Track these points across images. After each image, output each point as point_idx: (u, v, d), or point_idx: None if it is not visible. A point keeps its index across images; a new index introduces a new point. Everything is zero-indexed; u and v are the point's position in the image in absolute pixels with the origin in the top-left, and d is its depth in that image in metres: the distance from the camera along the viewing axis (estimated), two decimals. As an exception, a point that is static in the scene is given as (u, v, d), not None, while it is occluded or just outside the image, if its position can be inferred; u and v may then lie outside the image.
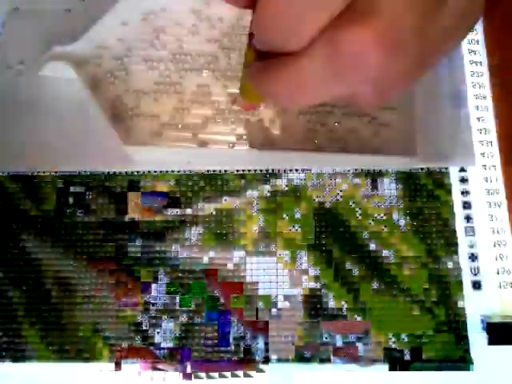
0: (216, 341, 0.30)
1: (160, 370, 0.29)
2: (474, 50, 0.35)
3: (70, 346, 0.30)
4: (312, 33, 0.17)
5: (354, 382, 0.29)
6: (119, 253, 0.31)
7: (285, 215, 0.32)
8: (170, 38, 0.35)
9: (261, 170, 0.32)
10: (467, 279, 0.30)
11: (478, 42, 0.35)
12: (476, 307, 0.30)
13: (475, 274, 0.30)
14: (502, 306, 0.30)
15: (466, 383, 0.28)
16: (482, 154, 0.33)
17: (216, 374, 0.29)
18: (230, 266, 0.31)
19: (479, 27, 0.35)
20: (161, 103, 0.34)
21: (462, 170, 0.32)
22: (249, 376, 0.29)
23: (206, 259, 0.31)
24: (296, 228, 0.31)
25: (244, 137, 0.33)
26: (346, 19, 0.16)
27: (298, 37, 0.18)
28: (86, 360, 0.29)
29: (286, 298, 0.30)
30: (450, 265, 0.30)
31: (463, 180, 0.32)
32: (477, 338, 0.29)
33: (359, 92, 0.20)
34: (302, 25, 0.17)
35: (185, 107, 0.34)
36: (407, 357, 0.29)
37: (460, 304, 0.30)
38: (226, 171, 0.33)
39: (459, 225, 0.31)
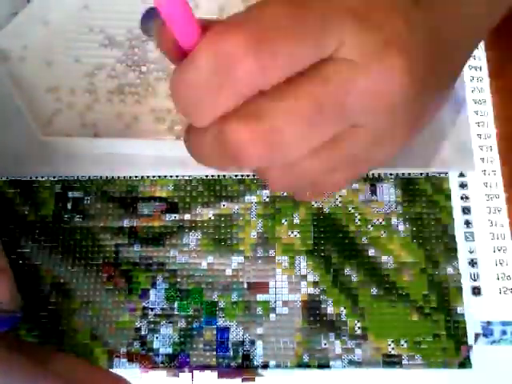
0: (215, 346, 0.29)
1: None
2: (473, 54, 0.35)
3: (69, 352, 0.30)
4: (209, 118, 0.20)
5: (353, 388, 0.29)
6: (117, 258, 0.31)
7: (283, 220, 0.32)
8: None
9: (259, 176, 0.32)
10: (467, 285, 0.30)
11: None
12: (476, 313, 0.29)
13: (475, 280, 0.30)
14: (501, 312, 0.29)
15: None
16: (482, 159, 0.32)
17: (214, 380, 0.29)
18: (228, 271, 0.31)
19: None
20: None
21: (462, 175, 0.32)
22: (247, 381, 0.29)
23: (204, 264, 0.31)
24: (295, 233, 0.31)
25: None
26: (235, 114, 0.19)
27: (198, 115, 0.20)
28: (84, 366, 0.29)
29: (285, 303, 0.30)
30: (450, 270, 0.30)
31: (463, 185, 0.32)
32: (477, 343, 0.29)
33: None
34: (202, 107, 0.19)
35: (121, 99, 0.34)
36: (406, 362, 0.29)
37: (459, 310, 0.29)
38: (224, 176, 0.33)
39: (459, 230, 0.31)
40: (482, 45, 0.35)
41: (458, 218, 0.31)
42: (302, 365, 0.29)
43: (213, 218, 0.32)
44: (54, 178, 0.33)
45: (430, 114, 0.25)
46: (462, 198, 0.32)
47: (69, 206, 0.32)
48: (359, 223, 0.31)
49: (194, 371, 0.29)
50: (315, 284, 0.30)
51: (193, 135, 0.21)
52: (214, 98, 0.19)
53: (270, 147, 0.19)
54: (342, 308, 0.30)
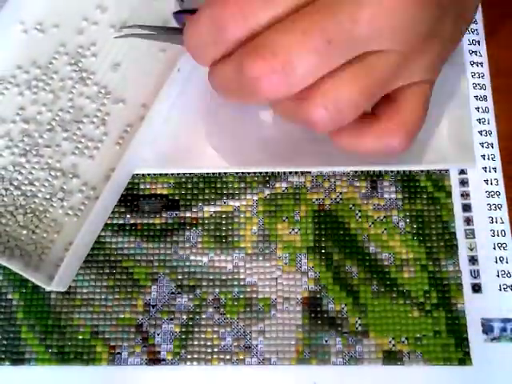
0: (216, 342, 0.30)
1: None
2: (474, 50, 0.34)
3: (70, 349, 0.30)
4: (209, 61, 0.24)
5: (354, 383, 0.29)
6: (118, 255, 0.31)
7: (284, 217, 0.32)
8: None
9: (260, 173, 0.32)
10: (467, 282, 0.30)
11: (479, 42, 0.35)
12: (476, 310, 0.29)
13: (475, 277, 0.30)
14: (501, 309, 0.30)
15: (466, 386, 0.28)
16: (483, 156, 0.32)
17: (216, 376, 0.29)
18: (229, 268, 0.31)
19: (480, 28, 0.35)
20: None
21: (462, 172, 0.32)
22: (248, 378, 0.29)
23: (205, 261, 0.31)
24: (295, 230, 0.31)
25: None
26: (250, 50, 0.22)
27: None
28: (86, 363, 0.29)
29: (286, 300, 0.30)
30: (450, 267, 0.30)
31: (463, 182, 0.32)
32: (477, 340, 0.29)
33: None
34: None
35: None
36: (406, 359, 0.29)
37: (460, 307, 0.30)
38: (225, 173, 0.32)
39: (459, 227, 0.31)
40: (483, 42, 0.35)
41: (459, 215, 0.31)
42: (302, 361, 0.29)
43: (214, 215, 0.32)
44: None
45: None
46: (462, 195, 0.32)
47: (69, 202, 0.32)
48: (360, 220, 0.31)
49: (196, 367, 0.29)
50: (316, 281, 0.30)
51: (215, 70, 0.24)
52: (211, 45, 0.23)
53: (283, 79, 0.21)
54: (343, 305, 0.30)
